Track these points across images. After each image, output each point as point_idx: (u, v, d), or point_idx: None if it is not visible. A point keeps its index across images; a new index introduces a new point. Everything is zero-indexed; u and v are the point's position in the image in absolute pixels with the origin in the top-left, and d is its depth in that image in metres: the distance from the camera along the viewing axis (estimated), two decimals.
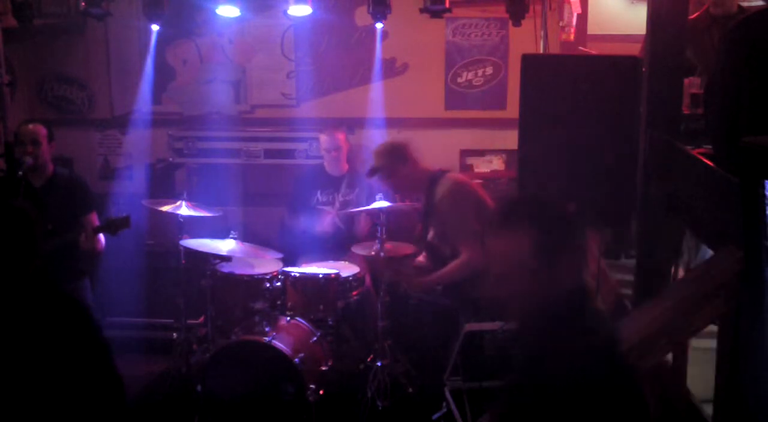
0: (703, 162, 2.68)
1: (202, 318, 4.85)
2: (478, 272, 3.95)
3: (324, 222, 5.26)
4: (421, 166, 4.24)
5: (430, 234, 4.15)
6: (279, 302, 4.72)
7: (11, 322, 2.35)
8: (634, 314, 2.75)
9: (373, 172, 4.24)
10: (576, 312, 1.89)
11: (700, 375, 2.73)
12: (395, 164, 4.19)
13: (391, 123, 6.19)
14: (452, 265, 4.01)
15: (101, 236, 4.43)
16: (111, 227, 4.35)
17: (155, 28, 5.74)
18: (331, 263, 4.96)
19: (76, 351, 2.38)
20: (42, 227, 2.55)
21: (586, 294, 1.93)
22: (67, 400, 2.35)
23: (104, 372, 2.46)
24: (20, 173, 4.27)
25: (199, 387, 4.31)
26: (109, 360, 2.48)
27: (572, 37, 5.78)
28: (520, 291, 1.89)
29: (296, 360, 4.19)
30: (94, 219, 4.52)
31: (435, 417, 3.57)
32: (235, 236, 4.74)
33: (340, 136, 5.37)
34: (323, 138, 5.40)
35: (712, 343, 2.45)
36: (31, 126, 4.46)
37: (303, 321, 4.56)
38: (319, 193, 5.40)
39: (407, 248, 4.92)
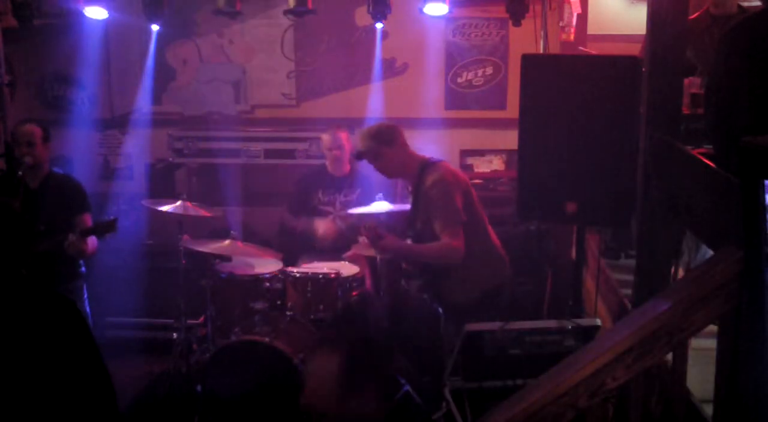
0: (703, 162, 2.67)
1: (202, 318, 4.85)
2: (454, 261, 3.96)
3: (325, 223, 5.25)
4: (410, 151, 4.14)
5: (418, 224, 4.14)
6: (279, 302, 4.71)
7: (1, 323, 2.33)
8: (634, 315, 2.75)
9: (359, 155, 4.18)
10: None
11: (700, 375, 2.73)
12: (381, 147, 4.08)
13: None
14: (432, 244, 3.95)
15: (93, 239, 4.34)
16: (97, 230, 4.27)
17: (155, 28, 5.74)
18: (331, 263, 4.96)
19: (66, 350, 2.36)
20: (34, 227, 2.53)
21: None
22: (58, 402, 2.34)
23: (95, 373, 2.44)
24: (20, 173, 4.25)
25: (199, 387, 4.31)
26: (99, 360, 2.45)
27: (572, 37, 5.78)
28: (326, 411, 1.98)
29: (296, 360, 4.19)
30: (88, 220, 4.44)
31: (435, 417, 3.56)
32: (235, 236, 4.75)
33: (343, 136, 5.35)
34: (325, 137, 5.38)
35: (712, 343, 2.45)
36: (26, 127, 4.40)
37: (303, 321, 4.56)
38: (320, 193, 5.38)
39: None
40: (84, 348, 2.42)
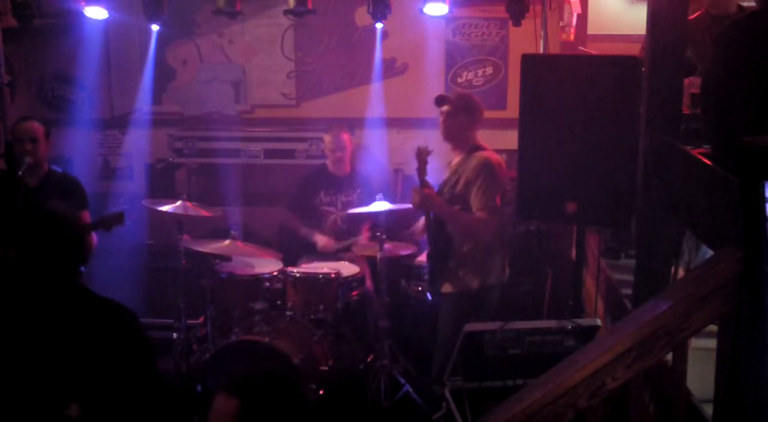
0: (703, 162, 2.67)
1: (202, 318, 4.85)
2: (481, 237, 4.12)
3: (324, 239, 5.25)
4: (476, 133, 4.34)
5: (446, 196, 4.21)
6: (279, 302, 4.72)
7: (64, 328, 2.39)
8: (633, 315, 2.75)
9: (443, 99, 4.30)
10: None
11: (700, 375, 2.73)
12: (462, 109, 4.27)
13: (391, 123, 6.19)
14: (468, 213, 4.11)
15: (93, 234, 4.35)
16: (105, 223, 4.25)
17: (155, 28, 5.74)
18: (331, 263, 4.96)
19: (125, 354, 2.45)
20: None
21: None
22: (116, 400, 2.43)
23: (150, 376, 2.53)
24: (20, 173, 4.25)
25: (199, 387, 4.31)
26: (153, 364, 2.56)
27: (572, 37, 5.77)
28: None
29: (296, 360, 4.19)
30: (87, 217, 4.43)
31: (435, 417, 3.57)
32: (235, 236, 4.75)
33: (345, 137, 5.35)
34: (327, 138, 5.38)
35: (712, 343, 2.45)
36: (28, 123, 4.40)
37: (303, 321, 4.56)
38: (322, 193, 5.39)
39: (407, 248, 4.94)
40: (136, 349, 2.51)
